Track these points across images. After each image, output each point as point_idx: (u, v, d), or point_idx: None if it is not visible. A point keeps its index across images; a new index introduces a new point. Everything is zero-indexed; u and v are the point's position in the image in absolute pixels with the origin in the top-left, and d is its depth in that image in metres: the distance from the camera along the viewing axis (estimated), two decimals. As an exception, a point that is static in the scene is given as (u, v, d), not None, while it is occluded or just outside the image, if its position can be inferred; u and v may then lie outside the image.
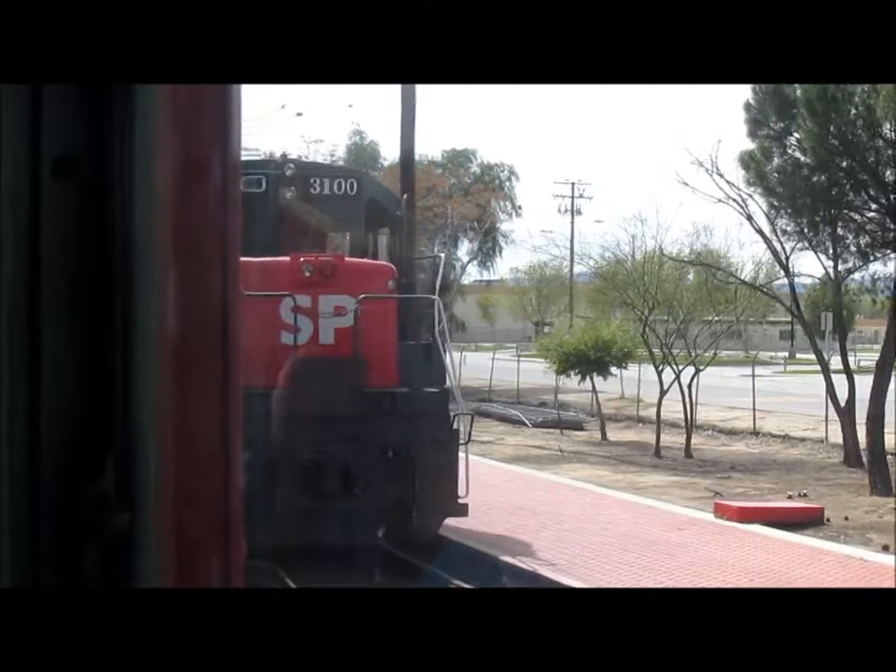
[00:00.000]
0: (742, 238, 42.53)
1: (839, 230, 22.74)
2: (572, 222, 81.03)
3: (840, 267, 23.94)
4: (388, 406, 13.71)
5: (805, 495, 20.53)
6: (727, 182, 23.94)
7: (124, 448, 1.54)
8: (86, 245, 1.55)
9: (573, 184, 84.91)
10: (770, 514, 17.13)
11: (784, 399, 38.40)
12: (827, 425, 29.83)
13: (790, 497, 20.25)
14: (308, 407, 13.11)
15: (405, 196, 15.82)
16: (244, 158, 16.14)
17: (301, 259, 13.75)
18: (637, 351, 31.67)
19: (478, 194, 62.40)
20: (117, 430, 1.55)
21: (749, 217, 24.25)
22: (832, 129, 20.23)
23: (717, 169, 23.92)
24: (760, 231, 24.53)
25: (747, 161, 22.52)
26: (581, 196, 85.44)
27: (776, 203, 22.68)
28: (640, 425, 35.72)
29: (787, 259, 24.59)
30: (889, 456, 22.48)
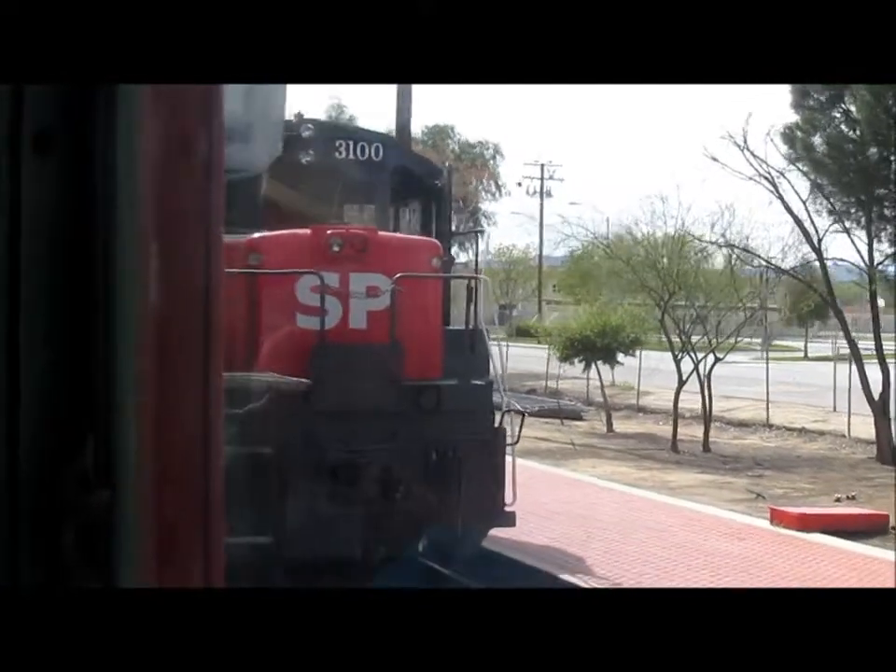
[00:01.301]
0: (766, 220, 40.59)
1: (885, 210, 21.16)
2: (541, 204, 79.75)
3: (885, 249, 22.40)
4: (433, 401, 12.05)
5: (853, 497, 19.03)
6: (754, 156, 22.40)
7: (104, 426, 1.54)
8: (66, 222, 1.54)
9: (542, 165, 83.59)
10: (832, 522, 15.63)
11: (780, 388, 36.78)
12: (850, 418, 28.28)
13: (838, 500, 18.76)
14: (336, 401, 11.47)
15: (447, 165, 14.09)
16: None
17: (329, 232, 12.04)
18: (645, 337, 30.19)
19: (465, 171, 60.61)
20: (98, 408, 1.54)
21: (781, 197, 22.69)
22: (890, 101, 18.64)
23: (746, 145, 22.38)
24: (790, 211, 23.00)
25: (789, 133, 20.95)
26: (551, 178, 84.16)
27: (819, 181, 21.10)
28: (641, 414, 34.28)
29: (819, 241, 23.05)
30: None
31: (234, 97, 6.63)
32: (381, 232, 12.55)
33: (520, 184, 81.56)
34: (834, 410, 33.85)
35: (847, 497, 18.99)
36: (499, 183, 75.21)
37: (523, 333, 60.55)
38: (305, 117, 14.25)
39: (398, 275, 11.81)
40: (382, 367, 11.82)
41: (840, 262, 24.14)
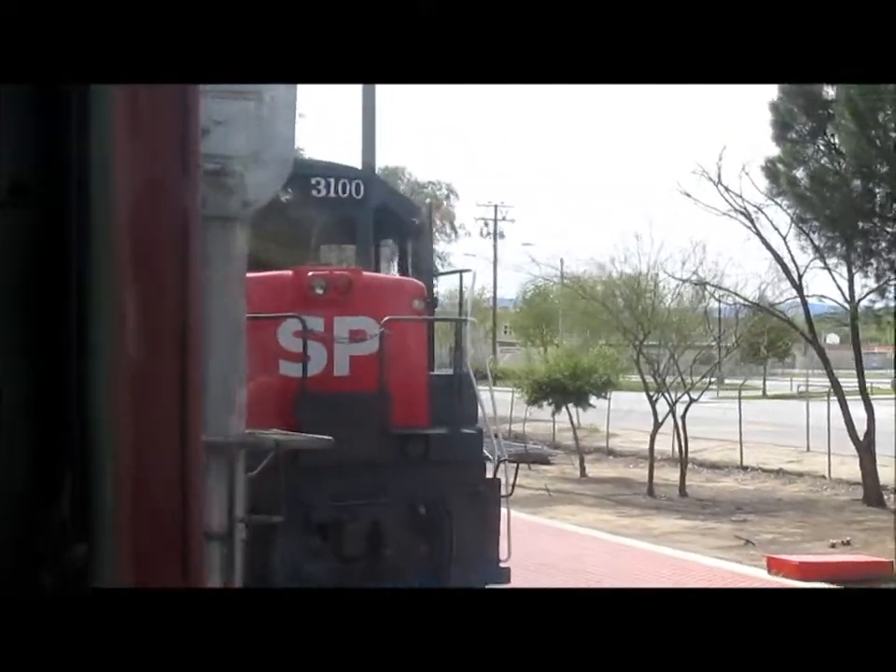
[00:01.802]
0: (741, 256, 39.73)
1: (871, 244, 20.70)
2: (494, 245, 79.46)
3: (871, 285, 21.94)
4: (421, 451, 11.43)
5: (849, 542, 18.48)
6: (728, 191, 21.96)
7: (81, 477, 1.52)
8: (40, 268, 1.52)
9: (496, 206, 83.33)
10: (834, 570, 15.03)
11: (746, 427, 36.06)
12: (829, 458, 27.81)
13: (833, 546, 18.21)
14: (322, 454, 10.80)
15: (428, 202, 13.50)
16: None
17: (310, 274, 11.42)
18: (617, 379, 29.68)
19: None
20: (74, 458, 1.52)
21: (758, 232, 22.24)
22: (873, 131, 18.21)
23: (720, 180, 21.97)
24: (769, 247, 22.54)
25: (771, 167, 20.49)
26: (503, 219, 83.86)
27: (802, 215, 20.64)
28: (611, 457, 33.72)
29: (800, 277, 22.60)
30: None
31: (242, 121, 6.04)
32: (365, 273, 11.95)
33: (486, 223, 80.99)
34: (808, 449, 33.42)
35: (843, 543, 18.45)
36: (455, 224, 74.60)
37: (477, 376, 59.98)
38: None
39: (386, 318, 11.22)
40: (370, 416, 11.20)
41: (822, 299, 23.74)
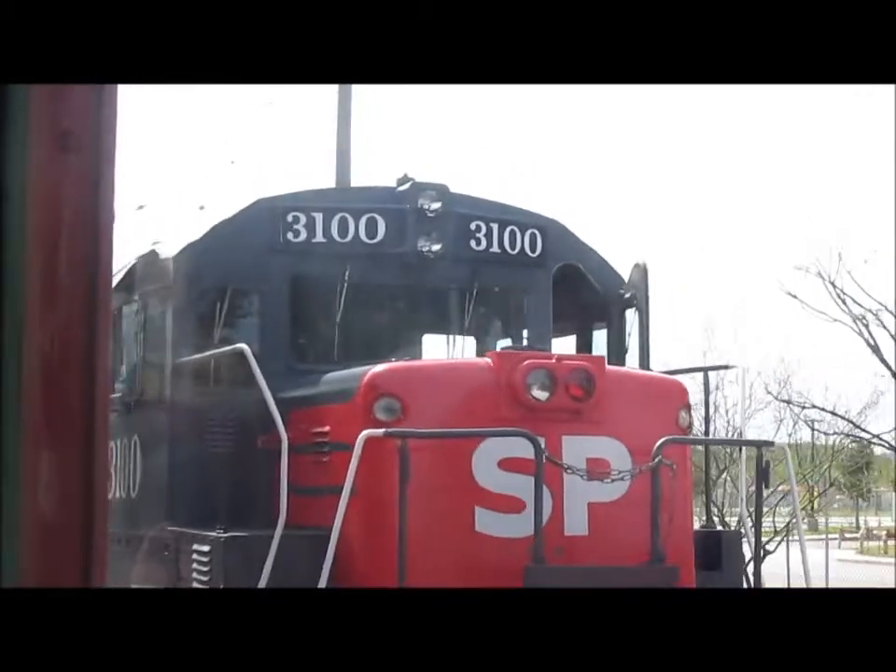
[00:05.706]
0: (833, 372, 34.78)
1: None
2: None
3: None
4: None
5: None
6: (844, 293, 18.13)
7: None
8: None
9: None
10: None
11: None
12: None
13: None
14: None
15: (640, 264, 9.10)
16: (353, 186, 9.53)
17: (526, 363, 7.04)
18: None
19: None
20: None
21: (875, 346, 18.39)
22: None
23: (831, 280, 18.25)
24: (884, 361, 18.71)
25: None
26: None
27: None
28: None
29: (923, 399, 18.73)
30: None
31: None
32: (609, 367, 7.60)
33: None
34: None
35: None
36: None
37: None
38: (411, 177, 9.18)
39: (664, 439, 6.89)
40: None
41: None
